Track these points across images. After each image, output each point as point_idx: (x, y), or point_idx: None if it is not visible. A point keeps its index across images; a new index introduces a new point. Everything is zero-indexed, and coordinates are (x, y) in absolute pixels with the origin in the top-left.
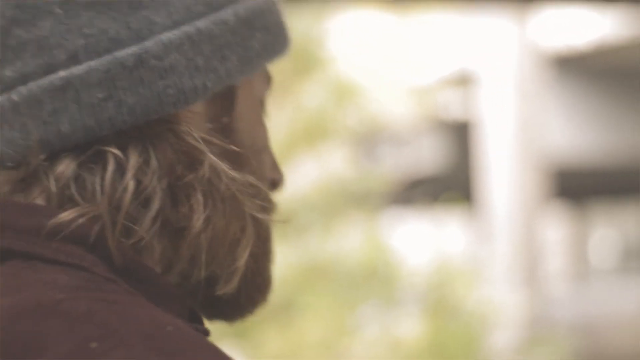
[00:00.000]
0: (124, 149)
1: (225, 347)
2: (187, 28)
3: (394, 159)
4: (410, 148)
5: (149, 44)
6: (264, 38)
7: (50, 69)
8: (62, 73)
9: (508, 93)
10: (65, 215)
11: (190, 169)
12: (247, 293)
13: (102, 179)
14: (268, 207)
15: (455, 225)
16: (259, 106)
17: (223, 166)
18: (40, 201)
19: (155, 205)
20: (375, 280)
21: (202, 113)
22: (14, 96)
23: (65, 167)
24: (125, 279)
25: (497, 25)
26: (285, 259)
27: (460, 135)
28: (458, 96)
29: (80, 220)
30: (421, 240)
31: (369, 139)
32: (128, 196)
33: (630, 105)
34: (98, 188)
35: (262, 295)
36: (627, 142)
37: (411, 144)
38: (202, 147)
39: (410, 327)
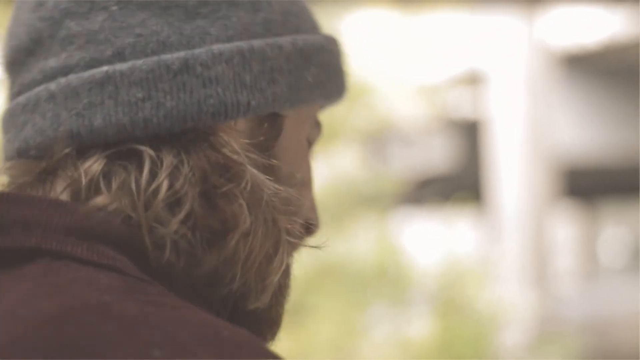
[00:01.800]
0: (157, 151)
1: None
2: (240, 44)
3: (404, 159)
4: (420, 148)
5: (199, 51)
6: (319, 74)
7: (94, 63)
8: (104, 68)
9: (517, 92)
10: (96, 203)
11: (230, 179)
12: (277, 309)
13: (137, 177)
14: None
15: (465, 225)
16: (306, 145)
17: (265, 179)
18: (64, 195)
19: (186, 208)
20: (385, 281)
21: (243, 132)
22: (53, 86)
23: (95, 161)
24: (157, 280)
25: (507, 24)
26: (295, 259)
27: (469, 134)
28: (467, 95)
29: (109, 218)
30: (431, 240)
31: (379, 139)
32: (160, 196)
33: None
34: (133, 186)
35: (285, 310)
36: (637, 141)
37: (421, 143)
38: (241, 159)
39: (420, 327)
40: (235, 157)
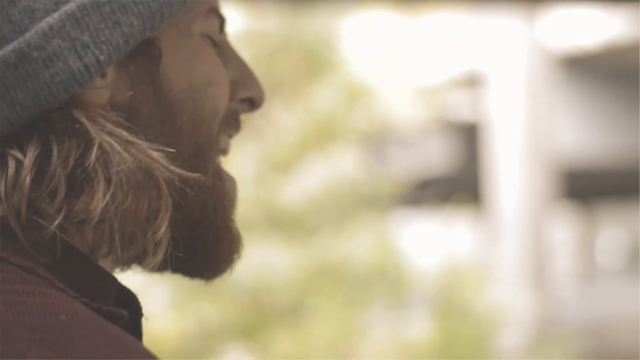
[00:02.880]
0: (24, 146)
1: (234, 348)
2: (69, 6)
3: (403, 160)
4: (419, 149)
5: (29, 35)
6: None
7: None
8: None
9: (517, 94)
10: None
11: (89, 153)
12: (221, 250)
13: (4, 182)
14: (199, 161)
15: (463, 226)
16: (199, 42)
17: (115, 144)
18: None
19: (60, 195)
20: (385, 282)
21: (113, 82)
22: None
23: None
24: (45, 266)
25: (506, 25)
26: (294, 260)
27: (469, 136)
28: (467, 97)
29: None
30: (430, 242)
31: (378, 140)
32: (25, 196)
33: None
34: (2, 190)
35: (235, 250)
36: (636, 143)
37: (420, 144)
38: (92, 127)
39: (419, 328)
40: (91, 128)
